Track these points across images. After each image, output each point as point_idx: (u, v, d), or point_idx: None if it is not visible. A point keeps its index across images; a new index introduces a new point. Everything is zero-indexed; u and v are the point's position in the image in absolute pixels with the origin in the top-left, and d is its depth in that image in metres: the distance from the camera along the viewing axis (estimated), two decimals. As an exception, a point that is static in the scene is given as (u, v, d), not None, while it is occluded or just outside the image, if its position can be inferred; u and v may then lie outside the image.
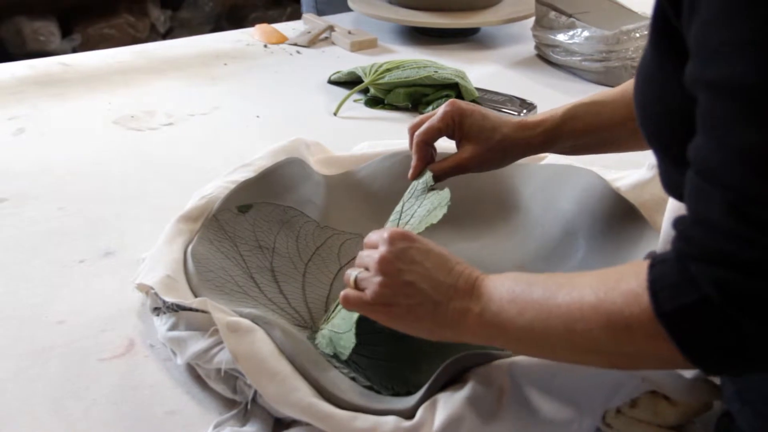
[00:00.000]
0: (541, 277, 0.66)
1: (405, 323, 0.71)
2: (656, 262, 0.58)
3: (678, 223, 0.58)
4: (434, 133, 0.93)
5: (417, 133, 0.93)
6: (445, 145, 0.95)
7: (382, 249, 0.71)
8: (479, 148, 0.92)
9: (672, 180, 0.68)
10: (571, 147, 0.94)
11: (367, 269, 0.72)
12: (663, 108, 0.64)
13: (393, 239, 0.71)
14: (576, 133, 0.92)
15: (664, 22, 0.62)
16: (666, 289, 0.56)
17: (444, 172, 0.93)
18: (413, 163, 0.94)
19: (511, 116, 0.95)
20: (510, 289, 0.66)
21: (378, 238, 0.73)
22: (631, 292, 0.58)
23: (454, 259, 0.72)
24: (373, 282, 0.71)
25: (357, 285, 0.73)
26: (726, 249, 0.54)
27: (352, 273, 0.74)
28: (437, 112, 0.93)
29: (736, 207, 0.53)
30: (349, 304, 0.73)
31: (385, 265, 0.70)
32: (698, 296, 0.54)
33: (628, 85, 0.91)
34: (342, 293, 0.73)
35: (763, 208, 0.52)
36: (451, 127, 0.92)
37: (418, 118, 0.96)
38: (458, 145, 0.94)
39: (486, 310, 0.67)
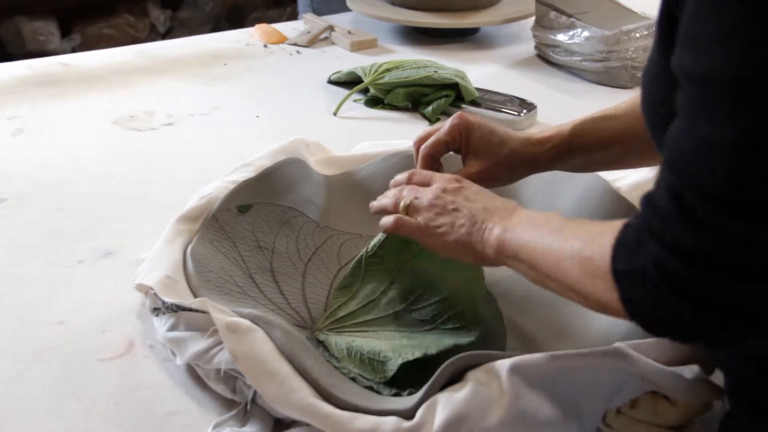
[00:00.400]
0: (558, 219, 0.72)
1: (447, 245, 0.78)
2: (628, 223, 0.62)
3: (643, 195, 0.61)
4: (441, 147, 0.91)
5: (423, 146, 0.91)
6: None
7: (440, 185, 0.81)
8: (486, 163, 0.90)
9: None
10: (583, 164, 0.93)
11: (417, 198, 0.81)
12: (668, 108, 0.64)
13: (450, 179, 0.81)
14: (586, 148, 0.91)
15: (668, 21, 0.63)
16: (623, 249, 0.61)
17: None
18: None
19: (518, 132, 0.93)
20: (532, 220, 0.73)
21: (428, 174, 0.84)
22: (604, 245, 0.62)
23: (498, 197, 0.80)
24: (427, 210, 0.79)
25: (408, 211, 0.81)
26: (666, 233, 0.57)
27: (404, 198, 0.82)
28: (444, 126, 0.91)
29: (681, 196, 0.56)
30: (402, 228, 0.81)
31: (441, 198, 0.79)
32: (641, 264, 0.59)
33: (636, 98, 0.90)
34: (388, 218, 0.82)
35: (705, 203, 0.55)
36: (458, 141, 0.91)
37: (425, 131, 0.94)
38: (464, 160, 0.92)
39: (509, 231, 0.74)
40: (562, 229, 0.69)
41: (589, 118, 0.92)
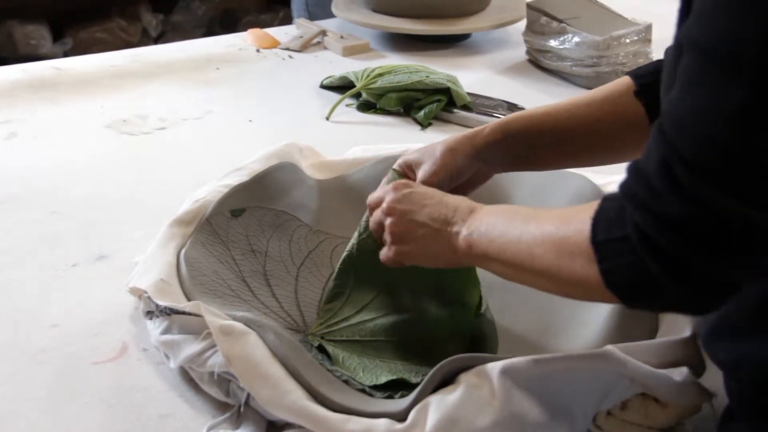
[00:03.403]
0: (525, 209, 0.73)
1: (419, 257, 0.79)
2: (607, 197, 0.63)
3: (630, 164, 0.61)
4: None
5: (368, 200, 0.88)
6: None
7: (387, 197, 0.81)
8: (430, 160, 0.88)
9: None
10: (526, 149, 0.88)
11: (378, 226, 0.82)
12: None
13: (395, 187, 0.81)
14: (524, 129, 0.88)
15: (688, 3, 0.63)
16: (603, 221, 0.62)
17: None
18: None
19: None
20: (497, 215, 0.73)
21: (382, 192, 0.83)
22: (582, 221, 0.63)
23: (451, 195, 0.79)
24: (386, 227, 0.80)
25: (377, 236, 0.84)
26: (649, 199, 0.57)
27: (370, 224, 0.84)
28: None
29: (668, 163, 0.56)
30: (388, 263, 0.82)
31: (390, 210, 0.80)
32: (623, 233, 0.59)
33: (586, 93, 0.90)
34: (381, 257, 0.83)
35: (693, 172, 0.55)
36: (404, 174, 0.90)
37: (373, 195, 0.88)
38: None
39: (474, 231, 0.73)
40: (529, 218, 0.69)
41: (533, 108, 0.91)
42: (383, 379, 0.80)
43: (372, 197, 0.85)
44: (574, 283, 0.65)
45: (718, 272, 0.57)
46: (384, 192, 0.83)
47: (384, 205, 0.81)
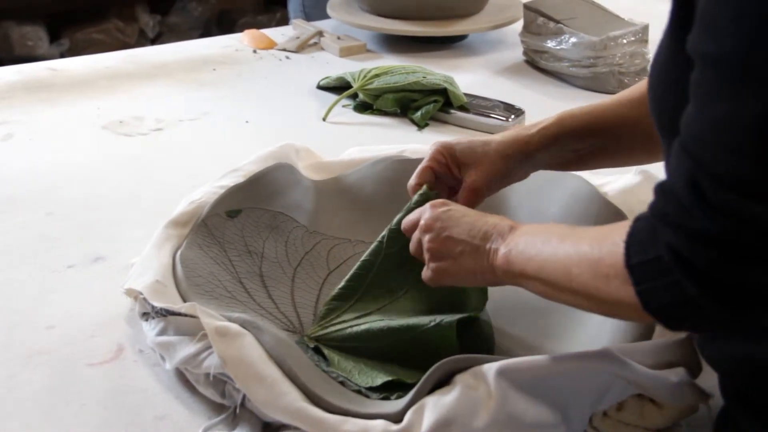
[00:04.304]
0: (561, 227, 0.72)
1: (456, 274, 0.78)
2: (638, 218, 0.62)
3: (657, 184, 0.61)
4: (427, 173, 0.89)
5: (410, 182, 0.90)
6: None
7: (425, 215, 0.79)
8: (483, 167, 0.88)
9: None
10: (573, 152, 0.90)
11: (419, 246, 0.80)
12: (677, 98, 0.65)
13: (433, 205, 0.80)
14: (575, 133, 0.89)
15: (683, 7, 0.62)
16: (636, 244, 0.60)
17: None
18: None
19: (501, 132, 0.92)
20: (534, 234, 0.72)
21: (417, 213, 0.82)
22: (615, 243, 0.62)
23: (489, 215, 0.79)
24: (424, 245, 0.79)
25: (417, 254, 0.81)
26: (680, 217, 0.57)
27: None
28: (425, 156, 0.90)
29: (696, 179, 0.56)
30: (427, 281, 0.81)
31: (427, 227, 0.79)
32: (656, 254, 0.58)
33: (624, 93, 0.90)
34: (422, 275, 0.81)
35: (720, 185, 0.55)
36: (444, 163, 0.89)
37: (412, 179, 0.91)
38: (463, 179, 0.89)
39: (513, 248, 0.73)
40: (566, 237, 0.68)
41: (575, 108, 0.91)
42: (379, 381, 0.80)
43: (407, 221, 0.84)
44: (613, 304, 0.63)
45: (758, 284, 0.55)
46: (420, 212, 0.81)
47: (422, 222, 0.80)
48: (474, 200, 0.88)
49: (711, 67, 0.56)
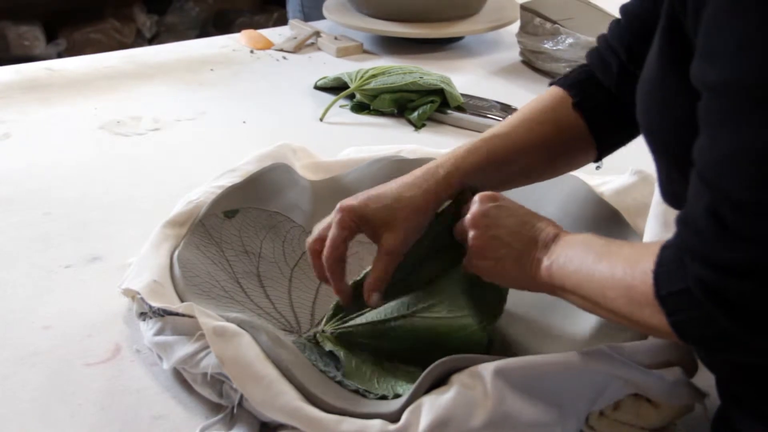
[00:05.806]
0: (599, 242, 0.71)
1: (496, 275, 0.79)
2: (665, 246, 0.61)
3: (678, 216, 0.61)
4: (341, 244, 0.82)
5: (325, 257, 0.83)
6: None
7: (473, 208, 0.79)
8: (395, 227, 0.82)
9: (674, 190, 0.69)
10: (486, 181, 0.85)
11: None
12: (670, 120, 0.65)
13: (481, 199, 0.79)
14: (485, 169, 0.85)
15: (672, 31, 0.63)
16: (664, 274, 0.60)
17: (379, 281, 0.83)
18: (335, 289, 0.84)
19: (404, 179, 0.86)
20: (573, 247, 0.73)
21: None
22: (645, 272, 0.62)
23: (537, 216, 0.78)
24: (469, 239, 0.78)
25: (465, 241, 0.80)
26: (705, 250, 0.57)
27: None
28: (332, 225, 0.83)
29: (716, 209, 0.56)
30: (468, 268, 0.80)
31: (474, 223, 0.78)
32: (685, 286, 0.58)
33: (514, 119, 0.88)
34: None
35: (738, 213, 0.54)
36: (355, 227, 0.83)
37: (312, 238, 0.85)
38: (378, 240, 0.83)
39: (554, 262, 0.73)
40: (602, 256, 0.68)
41: (475, 144, 0.87)
42: (400, 390, 0.78)
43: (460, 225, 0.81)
44: (649, 328, 0.65)
45: None
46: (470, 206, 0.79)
47: (468, 216, 0.79)
48: (391, 263, 0.83)
49: (719, 96, 0.56)
